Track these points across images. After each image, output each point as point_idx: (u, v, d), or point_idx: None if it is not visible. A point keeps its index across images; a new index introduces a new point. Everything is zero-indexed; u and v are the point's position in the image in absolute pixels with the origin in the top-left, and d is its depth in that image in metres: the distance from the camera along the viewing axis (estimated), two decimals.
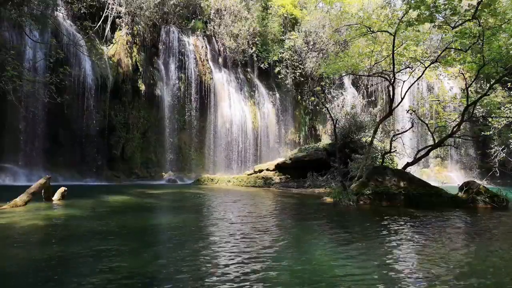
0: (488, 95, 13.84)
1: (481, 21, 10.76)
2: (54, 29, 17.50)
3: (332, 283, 3.59)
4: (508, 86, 19.90)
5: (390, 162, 17.24)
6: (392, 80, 13.21)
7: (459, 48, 12.56)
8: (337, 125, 14.65)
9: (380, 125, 16.36)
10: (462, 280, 3.76)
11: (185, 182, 20.29)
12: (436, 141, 13.53)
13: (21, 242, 5.16)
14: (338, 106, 25.67)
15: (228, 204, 10.44)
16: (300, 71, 26.51)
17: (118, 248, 4.77)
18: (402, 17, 11.94)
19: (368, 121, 19.02)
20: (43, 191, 8.83)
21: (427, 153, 13.77)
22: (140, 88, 21.00)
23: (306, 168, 17.29)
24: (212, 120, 23.64)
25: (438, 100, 24.79)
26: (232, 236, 5.67)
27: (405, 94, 13.51)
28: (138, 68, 21.16)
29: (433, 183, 11.79)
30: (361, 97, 28.06)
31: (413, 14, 11.86)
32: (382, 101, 28.60)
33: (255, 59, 25.95)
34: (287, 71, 26.43)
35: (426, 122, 14.83)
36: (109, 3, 20.17)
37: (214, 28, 24.67)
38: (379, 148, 17.86)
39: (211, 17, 24.89)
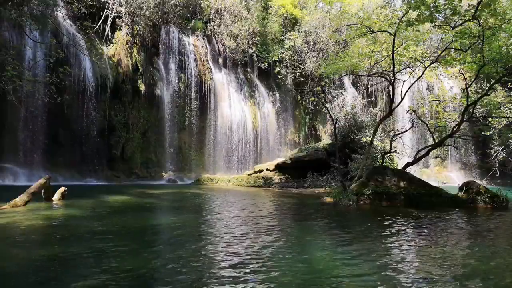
0: (488, 95, 13.84)
1: (481, 21, 10.75)
2: (54, 29, 17.51)
3: (333, 284, 3.59)
4: (508, 86, 19.91)
5: (390, 162, 17.24)
6: (392, 80, 13.20)
7: (459, 48, 12.55)
8: (337, 125, 14.65)
9: (380, 125, 16.36)
10: (463, 281, 3.75)
11: (185, 182, 20.29)
12: (436, 141, 13.53)
13: (21, 242, 5.15)
14: (338, 106, 25.68)
15: (228, 204, 10.44)
16: (300, 71, 26.51)
17: (118, 248, 4.76)
18: (402, 17, 11.94)
19: (368, 121, 19.03)
20: (43, 191, 8.83)
21: (427, 153, 13.77)
22: (140, 88, 21.01)
23: (306, 168, 17.29)
24: (212, 120, 23.64)
25: (438, 100, 24.78)
26: (232, 236, 5.67)
27: (405, 94, 13.51)
28: (138, 68, 21.16)
29: (433, 183, 11.79)
30: (361, 97, 28.06)
31: (413, 14, 11.86)
32: (382, 101, 28.60)
33: (255, 59, 25.96)
34: (287, 71, 26.43)
35: (426, 122, 14.82)
36: (109, 3, 20.16)
37: (214, 28, 24.67)
38: (379, 148, 17.86)
39: (211, 17, 24.89)
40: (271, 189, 15.95)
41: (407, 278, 3.79)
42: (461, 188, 10.66)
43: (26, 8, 14.65)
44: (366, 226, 7.08)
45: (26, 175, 16.00)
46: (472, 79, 14.65)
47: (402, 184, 10.44)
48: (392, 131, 22.51)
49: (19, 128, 16.76)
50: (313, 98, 26.94)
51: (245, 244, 5.11)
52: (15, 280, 3.59)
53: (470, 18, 10.74)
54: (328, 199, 10.85)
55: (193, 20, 24.30)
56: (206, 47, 24.41)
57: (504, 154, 21.40)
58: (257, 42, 25.63)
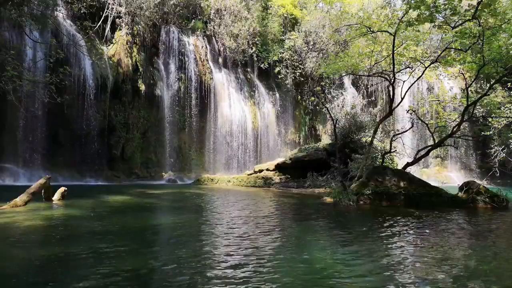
0: (488, 95, 13.84)
1: (481, 21, 10.75)
2: (54, 29, 17.51)
3: (334, 284, 3.58)
4: (508, 86, 19.90)
5: (390, 162, 17.24)
6: (392, 80, 13.20)
7: (459, 48, 12.55)
8: (337, 125, 14.65)
9: (380, 125, 16.36)
10: (464, 282, 3.75)
11: (185, 182, 20.29)
12: (436, 141, 13.53)
13: (21, 242, 5.15)
14: (338, 106, 25.68)
15: (228, 204, 10.44)
16: (300, 71, 26.51)
17: (118, 248, 4.76)
18: (402, 17, 11.94)
19: (368, 121, 19.03)
20: (43, 191, 8.83)
21: (427, 153, 13.76)
22: (140, 88, 21.00)
23: (306, 168, 17.29)
24: (212, 120, 23.64)
25: (438, 100, 24.79)
26: (233, 236, 5.66)
27: (405, 94, 13.51)
28: (138, 68, 21.16)
29: (433, 183, 11.79)
30: (361, 97, 28.07)
31: (413, 14, 11.85)
32: (382, 101, 28.61)
33: (255, 59, 25.96)
34: (287, 71, 26.43)
35: (426, 122, 14.82)
36: (109, 3, 20.16)
37: (214, 28, 24.67)
38: (379, 148, 17.86)
39: (211, 17, 24.89)
40: (271, 189, 15.95)
41: (408, 279, 3.78)
42: (461, 188, 10.67)
43: (26, 8, 14.65)
44: (366, 226, 7.08)
45: (26, 175, 16.00)
46: (472, 79, 14.65)
47: (402, 184, 10.44)
48: (392, 131, 22.52)
49: (19, 128, 16.75)
50: (313, 98, 26.94)
51: (246, 244, 5.10)
52: (15, 280, 3.58)
53: (470, 18, 10.73)
54: (328, 199, 10.85)
55: (193, 20, 24.30)
56: (206, 47, 24.41)
57: (504, 154, 21.40)
58: (257, 42, 25.63)
